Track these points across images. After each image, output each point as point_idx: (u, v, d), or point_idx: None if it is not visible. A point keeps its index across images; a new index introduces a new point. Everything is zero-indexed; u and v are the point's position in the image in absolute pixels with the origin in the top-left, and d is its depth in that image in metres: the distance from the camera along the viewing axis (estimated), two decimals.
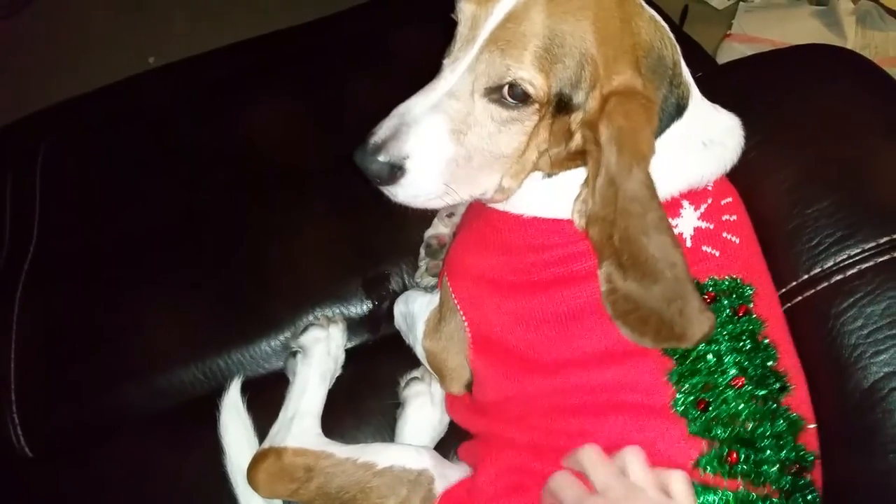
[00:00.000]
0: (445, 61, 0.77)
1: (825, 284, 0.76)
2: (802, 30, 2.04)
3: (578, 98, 0.72)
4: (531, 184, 0.81)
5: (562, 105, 0.73)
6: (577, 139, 0.75)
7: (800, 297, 0.78)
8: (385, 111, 1.29)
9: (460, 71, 0.74)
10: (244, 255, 1.12)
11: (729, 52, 1.97)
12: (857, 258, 0.74)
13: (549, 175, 0.80)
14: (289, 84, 1.34)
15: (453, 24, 0.79)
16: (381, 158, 0.74)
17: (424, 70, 1.31)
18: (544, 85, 0.71)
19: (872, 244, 0.73)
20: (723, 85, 0.84)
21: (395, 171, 0.74)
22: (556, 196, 0.80)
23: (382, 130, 0.75)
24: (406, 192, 0.76)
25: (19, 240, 1.22)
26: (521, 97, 0.72)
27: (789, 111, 0.89)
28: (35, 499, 1.00)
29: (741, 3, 2.22)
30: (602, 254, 0.73)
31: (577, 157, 0.77)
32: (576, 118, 0.74)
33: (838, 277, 0.75)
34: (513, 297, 0.81)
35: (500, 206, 0.83)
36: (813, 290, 0.77)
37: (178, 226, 1.17)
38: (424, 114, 0.74)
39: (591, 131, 0.71)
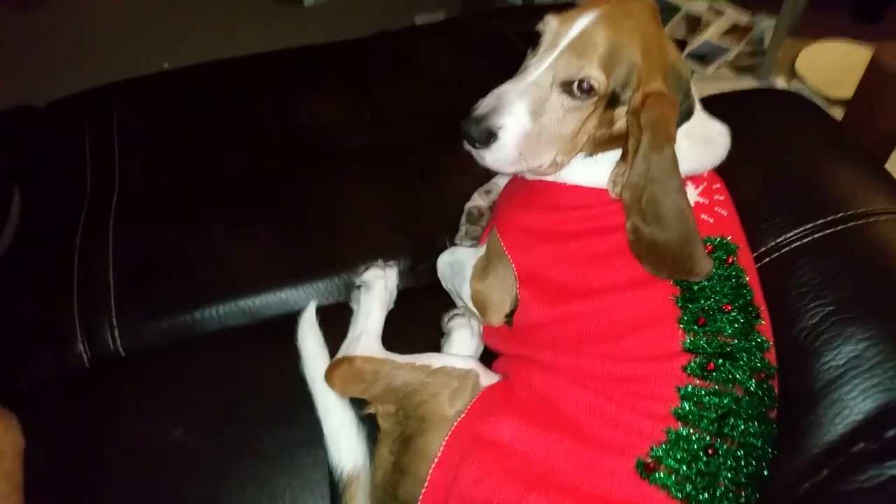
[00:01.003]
0: (530, 60, 1.01)
1: (787, 249, 1.04)
2: None
3: (625, 95, 0.98)
4: (575, 160, 1.06)
5: (612, 100, 0.98)
6: (619, 125, 1.00)
7: (767, 259, 1.06)
8: (417, 113, 1.56)
9: (543, 67, 0.97)
10: (311, 209, 1.34)
11: None
12: (809, 230, 1.04)
13: (590, 154, 1.05)
14: (340, 84, 1.59)
15: (526, 39, 1.05)
16: (483, 126, 0.96)
17: (446, 83, 1.59)
18: (605, 82, 0.96)
19: (821, 221, 1.03)
20: (708, 110, 1.12)
21: (490, 138, 0.96)
22: (593, 170, 1.04)
23: (483, 106, 0.97)
24: (493, 156, 0.98)
25: (103, 185, 1.39)
26: (586, 91, 0.96)
27: (757, 131, 1.20)
28: (125, 391, 1.15)
29: (695, 73, 2.63)
30: (631, 211, 0.97)
31: (614, 141, 1.02)
32: (620, 111, 0.99)
33: (797, 244, 1.04)
34: (555, 241, 1.04)
35: (548, 178, 1.09)
36: (778, 253, 1.05)
37: (249, 183, 1.38)
38: (516, 96, 0.96)
39: (635, 118, 0.97)
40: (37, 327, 1.24)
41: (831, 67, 2.59)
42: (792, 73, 2.65)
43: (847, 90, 2.36)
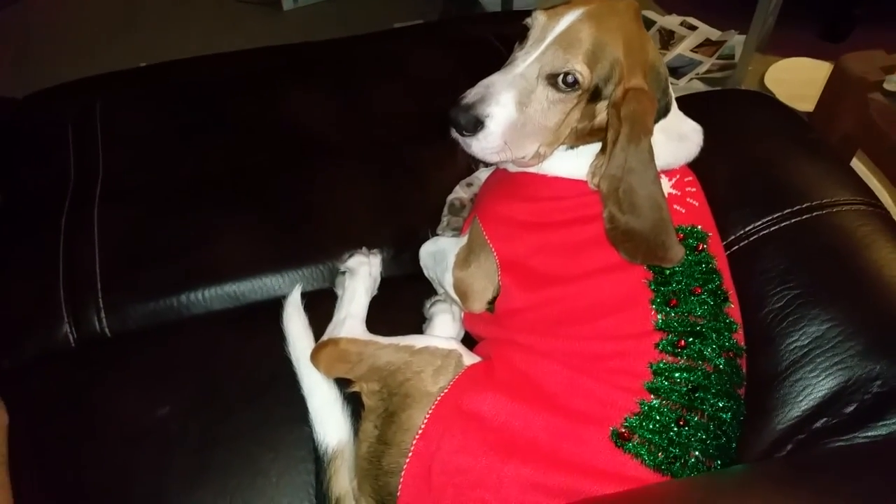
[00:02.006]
0: (518, 53, 1.05)
1: (755, 237, 1.10)
2: None
3: (607, 90, 1.03)
4: (557, 152, 1.11)
5: (594, 94, 1.03)
6: (600, 119, 1.05)
7: (736, 246, 1.12)
8: (400, 111, 1.59)
9: (530, 60, 1.02)
10: (296, 199, 1.36)
11: None
12: (775, 219, 1.10)
13: (571, 147, 1.10)
14: (324, 81, 1.62)
15: (506, 41, 1.10)
16: (471, 114, 0.99)
17: (429, 82, 1.64)
18: (589, 76, 1.00)
19: (787, 211, 1.09)
20: (681, 108, 1.17)
21: (477, 126, 1.00)
22: (574, 162, 1.09)
23: (472, 95, 1.01)
24: (479, 144, 1.02)
25: (87, 172, 1.40)
26: (571, 84, 1.00)
27: (727, 127, 1.25)
28: (111, 371, 1.16)
29: None
30: (608, 201, 1.02)
31: (595, 134, 1.07)
32: (602, 105, 1.04)
33: (764, 232, 1.09)
34: (535, 231, 1.09)
35: (530, 170, 1.13)
36: (747, 241, 1.11)
37: (235, 173, 1.40)
38: (503, 87, 1.01)
39: (615, 111, 1.02)
40: (22, 308, 1.24)
41: (798, 82, 2.69)
42: (761, 87, 2.74)
43: (812, 104, 2.46)
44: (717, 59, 2.86)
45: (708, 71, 2.82)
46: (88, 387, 1.15)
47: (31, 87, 1.72)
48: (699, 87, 2.75)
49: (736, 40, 2.90)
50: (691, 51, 2.90)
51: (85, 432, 1.11)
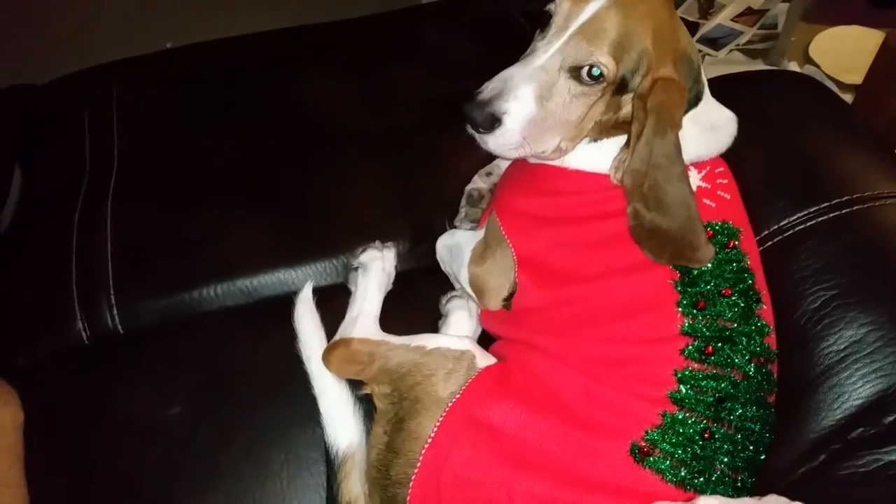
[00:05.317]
0: (538, 42, 0.98)
1: (790, 232, 1.03)
2: None
3: (634, 82, 0.96)
4: (579, 146, 1.05)
5: (621, 85, 0.96)
6: (625, 111, 0.99)
7: (770, 242, 1.05)
8: (419, 96, 1.54)
9: (552, 51, 0.95)
10: (310, 191, 1.33)
11: None
12: (812, 213, 1.02)
13: (595, 140, 1.03)
14: (342, 65, 1.57)
15: (532, 19, 1.03)
16: (487, 110, 0.94)
17: (450, 64, 1.58)
18: (614, 69, 0.93)
19: (825, 205, 1.02)
20: (715, 92, 1.10)
21: (494, 123, 0.94)
22: (596, 155, 1.03)
23: (489, 90, 0.95)
24: (496, 141, 0.96)
25: (102, 164, 1.39)
26: (595, 77, 0.94)
27: (763, 112, 1.18)
28: (123, 369, 1.15)
29: (707, 56, 2.60)
30: (632, 197, 0.96)
31: (620, 127, 1.00)
32: (628, 97, 0.97)
33: (800, 227, 1.03)
34: (555, 227, 1.03)
35: (551, 163, 1.07)
36: (781, 237, 1.04)
37: (248, 165, 1.37)
38: (522, 81, 0.94)
39: (641, 102, 0.95)
40: (36, 306, 1.24)
41: (845, 53, 2.55)
42: (805, 58, 2.60)
43: (860, 76, 2.32)
44: (759, 28, 2.72)
45: (749, 42, 2.69)
46: (101, 385, 1.14)
47: (56, 70, 1.70)
48: (740, 58, 2.63)
49: (779, 8, 2.75)
50: (732, 20, 2.77)
51: (97, 431, 1.10)
